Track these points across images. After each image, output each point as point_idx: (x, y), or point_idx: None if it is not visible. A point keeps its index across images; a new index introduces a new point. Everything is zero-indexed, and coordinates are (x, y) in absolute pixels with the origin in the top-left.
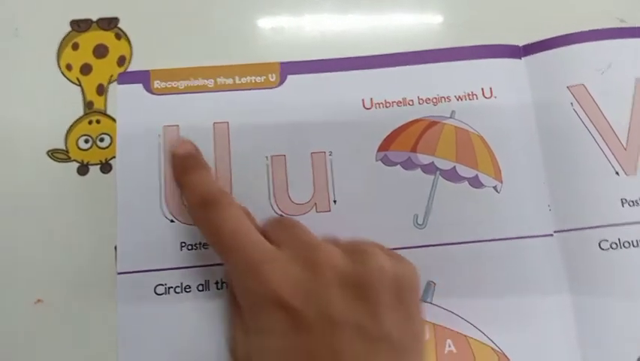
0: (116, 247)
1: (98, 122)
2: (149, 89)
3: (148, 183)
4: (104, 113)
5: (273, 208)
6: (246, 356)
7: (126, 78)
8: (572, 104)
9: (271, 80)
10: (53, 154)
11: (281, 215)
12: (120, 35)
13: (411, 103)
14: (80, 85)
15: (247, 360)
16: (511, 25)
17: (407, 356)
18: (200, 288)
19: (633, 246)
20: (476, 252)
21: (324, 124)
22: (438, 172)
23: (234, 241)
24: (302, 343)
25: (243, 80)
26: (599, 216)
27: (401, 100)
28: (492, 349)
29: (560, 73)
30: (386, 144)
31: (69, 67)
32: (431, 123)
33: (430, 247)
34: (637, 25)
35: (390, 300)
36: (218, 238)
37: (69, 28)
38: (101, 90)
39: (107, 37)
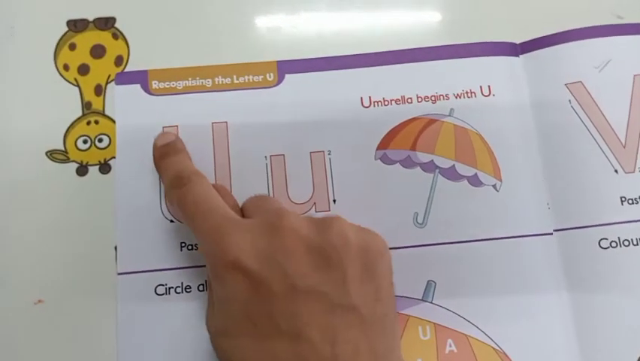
0: (116, 248)
1: (96, 122)
2: (147, 89)
3: (147, 183)
4: (103, 114)
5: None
6: (214, 326)
7: (124, 78)
8: (569, 101)
9: (269, 79)
10: (52, 155)
11: None
12: (117, 35)
13: (409, 101)
14: (77, 85)
15: (216, 330)
16: (508, 22)
17: (374, 331)
18: (201, 288)
19: (633, 244)
20: (476, 250)
21: (323, 123)
22: (437, 170)
23: (197, 207)
24: (264, 308)
25: (241, 79)
26: (598, 214)
27: (400, 98)
28: (493, 348)
29: (558, 70)
30: (385, 143)
31: (66, 67)
32: (430, 121)
33: (430, 246)
34: (635, 21)
35: (357, 272)
36: (183, 209)
37: (66, 29)
38: (99, 90)
39: (104, 37)
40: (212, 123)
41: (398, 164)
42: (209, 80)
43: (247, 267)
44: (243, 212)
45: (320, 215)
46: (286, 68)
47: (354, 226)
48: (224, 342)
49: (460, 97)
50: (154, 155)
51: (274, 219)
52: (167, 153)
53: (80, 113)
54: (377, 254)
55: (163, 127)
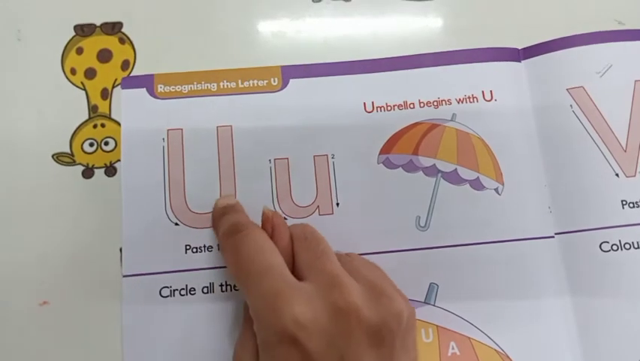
0: (121, 250)
1: (102, 125)
2: (152, 93)
3: (153, 186)
4: (109, 117)
5: (276, 211)
6: None
7: (130, 83)
8: (571, 106)
9: (273, 83)
10: (58, 158)
11: (285, 218)
12: (124, 40)
13: (412, 106)
14: (84, 89)
15: None
16: (510, 28)
17: None
18: (205, 290)
19: (634, 247)
20: (478, 254)
21: (327, 127)
22: (439, 174)
23: (252, 264)
24: None
25: (246, 83)
26: (599, 217)
27: (402, 103)
28: (495, 351)
29: (560, 75)
30: (388, 147)
31: (73, 71)
32: (432, 126)
33: (432, 250)
34: (635, 27)
35: (400, 344)
36: (237, 261)
37: (73, 33)
38: (106, 94)
39: (110, 42)
40: (217, 127)
41: (401, 168)
42: (215, 84)
43: (305, 345)
44: (296, 261)
45: (324, 217)
46: (290, 72)
47: (402, 298)
48: None
49: (462, 102)
50: (213, 214)
51: (337, 296)
52: (227, 212)
53: (86, 117)
54: (413, 327)
55: (168, 130)
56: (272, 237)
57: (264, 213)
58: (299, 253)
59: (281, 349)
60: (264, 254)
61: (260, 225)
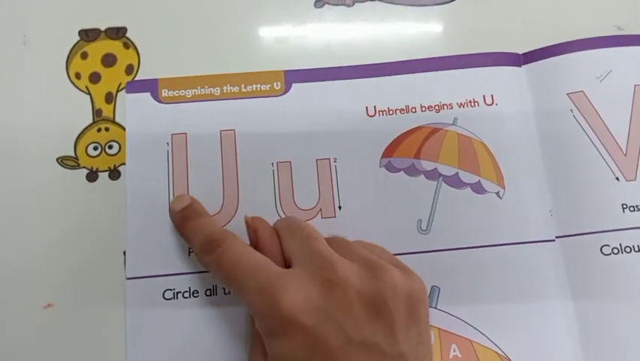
0: (124, 253)
1: (106, 129)
2: (156, 97)
3: (157, 189)
4: (113, 121)
5: (279, 214)
6: None
7: (134, 87)
8: (571, 110)
9: (276, 88)
10: (63, 161)
11: None
12: (128, 44)
13: (414, 110)
14: (89, 93)
15: None
16: (511, 33)
17: None
18: (208, 293)
19: (634, 251)
20: (479, 257)
21: (329, 131)
22: (441, 178)
23: (238, 268)
24: None
25: (249, 88)
26: (600, 221)
27: (404, 107)
28: (497, 354)
29: (560, 80)
30: (390, 151)
31: (78, 75)
32: (434, 130)
33: (434, 253)
34: (635, 33)
35: (404, 318)
36: (223, 272)
37: (78, 38)
38: (110, 98)
39: (115, 47)
40: (221, 131)
41: (402, 172)
42: (218, 88)
43: (304, 323)
44: (284, 252)
45: (326, 220)
46: (293, 77)
47: (401, 271)
48: None
49: (463, 106)
50: (174, 220)
51: (327, 273)
52: (187, 216)
53: (90, 121)
54: (419, 299)
55: (172, 134)
56: (256, 240)
57: (245, 222)
58: (285, 242)
59: (284, 335)
60: (246, 257)
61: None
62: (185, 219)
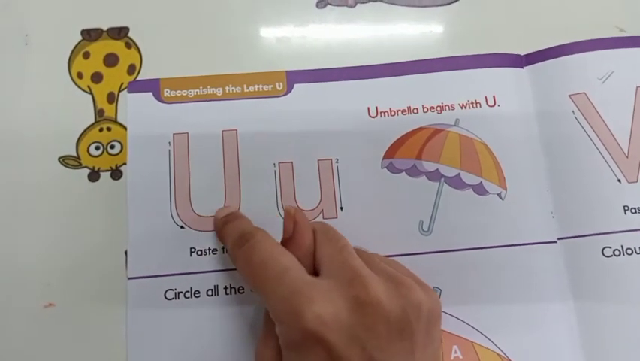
0: (126, 252)
1: (108, 129)
2: (158, 97)
3: (158, 189)
4: (115, 121)
5: (280, 215)
6: None
7: (136, 87)
8: (573, 112)
9: (278, 88)
10: (65, 161)
11: None
12: (130, 44)
13: (415, 111)
14: (90, 93)
15: None
16: (513, 34)
17: None
18: (210, 293)
19: (636, 252)
20: (481, 258)
21: (331, 132)
22: (442, 179)
23: (266, 269)
24: None
25: (251, 88)
26: (601, 223)
27: (406, 108)
28: (498, 355)
29: (562, 82)
30: (391, 152)
31: (80, 75)
32: (436, 131)
33: (436, 254)
34: (636, 34)
35: (422, 338)
36: (251, 270)
37: (80, 38)
38: (112, 98)
39: (117, 47)
40: (223, 131)
41: (404, 173)
42: (220, 88)
43: (328, 341)
44: (316, 255)
45: (328, 221)
46: (295, 78)
47: (421, 288)
48: None
49: (465, 107)
50: (216, 226)
51: (358, 290)
52: (228, 220)
53: (92, 120)
54: (436, 317)
55: (174, 134)
56: (294, 232)
57: (286, 210)
58: (321, 246)
59: (305, 347)
60: (276, 258)
61: (264, 228)
62: (225, 222)
